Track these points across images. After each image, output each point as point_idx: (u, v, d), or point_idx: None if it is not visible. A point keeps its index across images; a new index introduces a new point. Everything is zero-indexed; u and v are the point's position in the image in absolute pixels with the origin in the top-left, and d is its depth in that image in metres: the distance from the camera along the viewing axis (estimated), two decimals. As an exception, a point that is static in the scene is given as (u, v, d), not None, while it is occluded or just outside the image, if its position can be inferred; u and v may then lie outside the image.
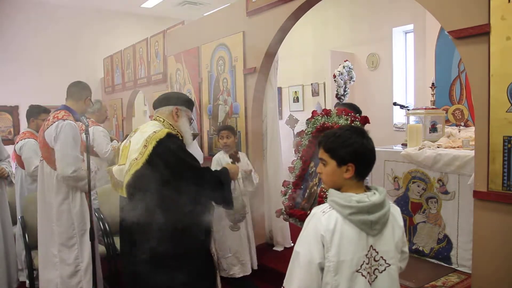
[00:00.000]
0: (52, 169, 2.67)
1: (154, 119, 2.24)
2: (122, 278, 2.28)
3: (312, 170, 2.42)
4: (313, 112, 2.49)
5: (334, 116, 2.26)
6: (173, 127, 2.20)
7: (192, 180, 1.95)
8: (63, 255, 2.66)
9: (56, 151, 2.61)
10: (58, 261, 2.66)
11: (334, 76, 3.34)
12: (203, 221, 2.07)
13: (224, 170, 2.26)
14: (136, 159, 1.99)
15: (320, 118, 2.38)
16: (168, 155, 1.99)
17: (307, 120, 2.53)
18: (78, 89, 2.85)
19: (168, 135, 2.05)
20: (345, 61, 3.42)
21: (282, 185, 2.58)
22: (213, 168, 3.34)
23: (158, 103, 2.29)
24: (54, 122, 2.63)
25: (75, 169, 2.57)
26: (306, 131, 2.50)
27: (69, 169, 2.56)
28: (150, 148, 1.97)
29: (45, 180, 2.72)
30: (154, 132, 2.04)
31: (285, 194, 2.53)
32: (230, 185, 2.18)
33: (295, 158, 2.56)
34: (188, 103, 2.33)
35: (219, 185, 2.09)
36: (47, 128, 2.65)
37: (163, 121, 2.20)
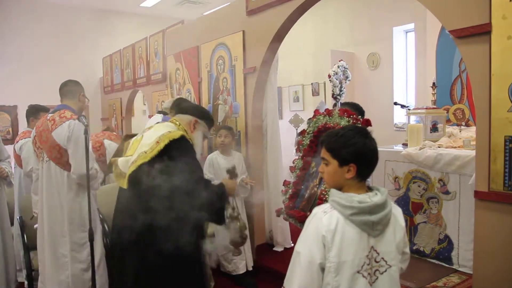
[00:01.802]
0: (61, 169, 2.67)
1: (170, 121, 2.24)
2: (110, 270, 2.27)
3: (313, 170, 2.41)
4: (315, 111, 2.48)
5: (336, 117, 2.25)
6: (187, 135, 2.20)
7: (192, 187, 1.93)
8: (76, 254, 2.67)
9: (70, 150, 2.61)
10: (69, 261, 2.67)
11: (329, 76, 3.33)
12: (196, 228, 2.03)
13: (220, 186, 2.22)
14: (145, 152, 2.00)
15: (322, 118, 2.38)
16: (177, 156, 1.98)
17: (308, 119, 2.52)
18: (71, 87, 2.81)
19: (182, 137, 2.06)
20: (339, 61, 3.41)
21: (283, 185, 2.57)
22: (206, 168, 3.36)
23: (180, 109, 2.31)
24: (64, 122, 2.63)
25: (91, 166, 2.60)
26: (307, 131, 2.49)
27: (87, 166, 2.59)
28: (161, 145, 1.98)
29: (54, 181, 2.70)
30: (169, 131, 2.04)
31: (285, 194, 2.52)
32: (224, 201, 2.14)
33: (297, 157, 2.55)
34: (208, 121, 2.34)
35: (213, 200, 2.06)
36: (55, 128, 2.63)
37: (179, 125, 2.20)
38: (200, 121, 2.27)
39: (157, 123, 2.86)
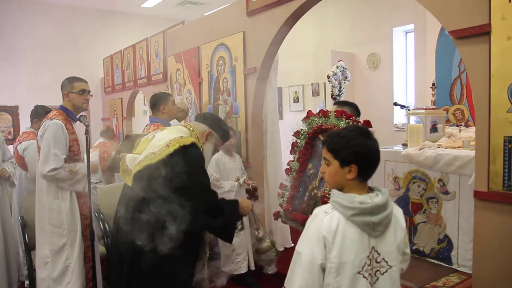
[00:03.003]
0: None
1: (184, 126, 2.23)
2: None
3: (311, 172, 2.38)
4: (309, 112, 2.44)
5: (333, 118, 2.21)
6: (198, 142, 2.18)
7: (195, 196, 1.92)
8: (54, 255, 2.67)
9: (40, 150, 2.65)
10: (50, 261, 2.67)
11: (328, 77, 3.32)
12: (191, 236, 1.98)
13: (234, 203, 2.18)
14: (154, 153, 1.98)
15: (317, 119, 2.34)
16: (185, 162, 1.95)
17: (302, 120, 2.47)
18: (61, 87, 2.80)
19: (193, 144, 2.04)
20: (338, 61, 3.40)
21: (279, 188, 2.53)
22: (212, 168, 3.36)
23: (200, 117, 2.30)
24: (44, 122, 2.70)
25: (53, 167, 2.57)
26: (301, 132, 2.46)
27: (46, 167, 2.57)
28: (171, 149, 1.96)
29: (39, 180, 2.74)
30: (181, 136, 2.03)
31: (282, 196, 2.48)
32: (235, 219, 2.10)
33: (292, 159, 2.51)
34: (223, 136, 2.32)
35: (219, 213, 2.03)
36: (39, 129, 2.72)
37: (192, 131, 2.18)
38: (215, 133, 2.25)
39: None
